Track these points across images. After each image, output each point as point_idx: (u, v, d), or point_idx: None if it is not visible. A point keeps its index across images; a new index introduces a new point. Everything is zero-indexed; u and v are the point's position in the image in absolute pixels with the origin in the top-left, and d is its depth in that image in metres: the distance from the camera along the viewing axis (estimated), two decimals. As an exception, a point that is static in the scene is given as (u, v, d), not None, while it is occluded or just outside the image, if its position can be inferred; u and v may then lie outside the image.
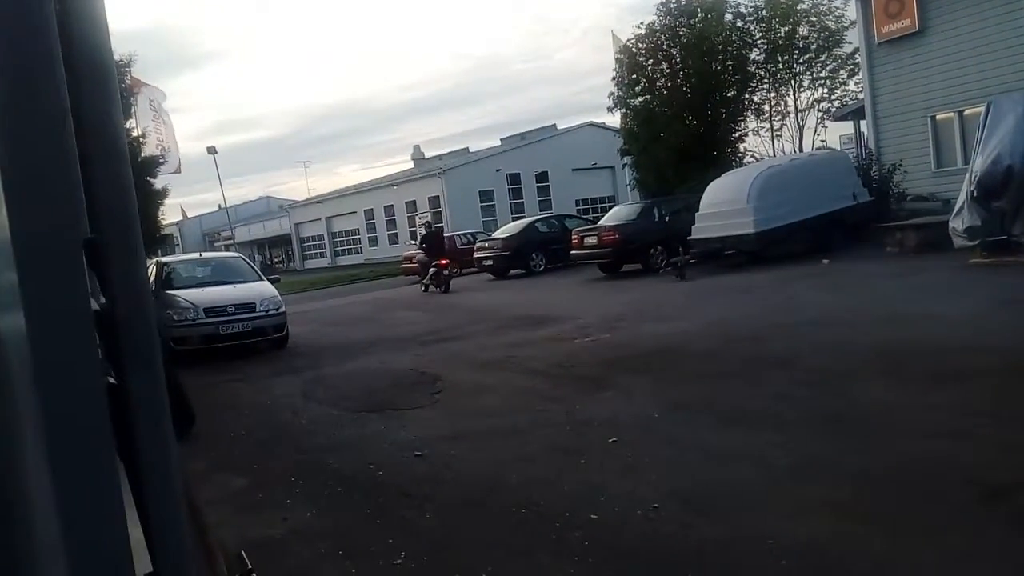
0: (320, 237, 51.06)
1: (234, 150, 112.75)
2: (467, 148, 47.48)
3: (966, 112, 16.02)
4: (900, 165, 16.72)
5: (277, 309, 10.96)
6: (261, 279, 12.07)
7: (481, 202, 37.79)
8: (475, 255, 22.56)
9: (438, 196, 38.39)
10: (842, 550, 2.98)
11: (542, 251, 21.10)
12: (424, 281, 18.71)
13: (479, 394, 6.79)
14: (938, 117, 17.18)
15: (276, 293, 11.35)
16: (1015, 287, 8.64)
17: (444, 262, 18.23)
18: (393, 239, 42.19)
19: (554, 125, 42.80)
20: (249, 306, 10.71)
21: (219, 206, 45.18)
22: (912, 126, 17.58)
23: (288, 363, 9.81)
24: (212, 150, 30.00)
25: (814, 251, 14.37)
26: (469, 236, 26.31)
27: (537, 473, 4.40)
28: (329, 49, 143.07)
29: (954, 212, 11.13)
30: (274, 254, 59.20)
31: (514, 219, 29.66)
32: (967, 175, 10.95)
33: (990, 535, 2.97)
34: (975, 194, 10.38)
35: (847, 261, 13.05)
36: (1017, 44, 15.30)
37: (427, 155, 48.61)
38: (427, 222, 21.19)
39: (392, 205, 42.66)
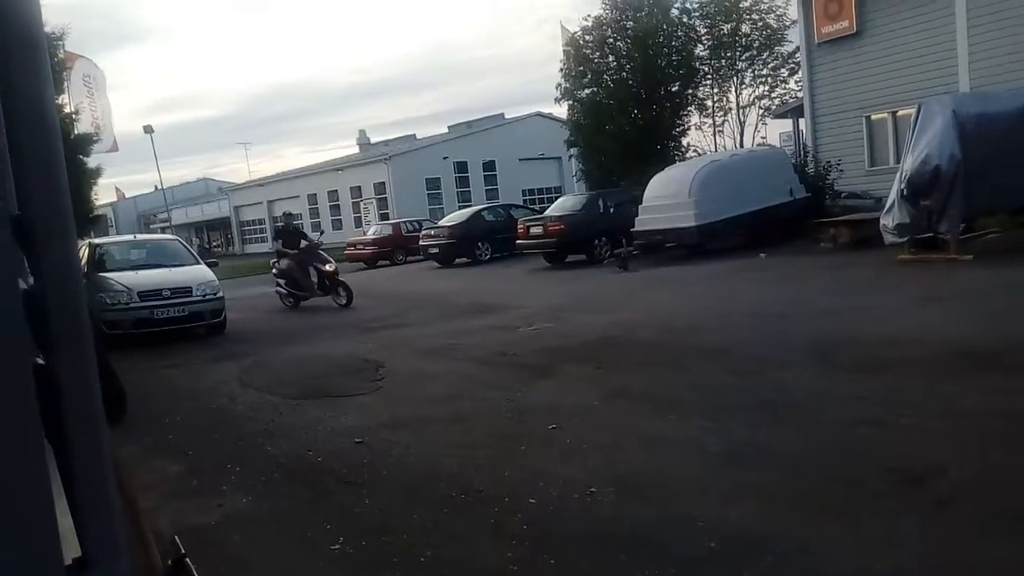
0: (261, 221, 49.99)
1: (173, 129, 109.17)
2: (414, 135, 47.04)
3: (899, 113, 16.60)
4: (837, 163, 17.24)
5: (215, 294, 10.72)
6: (198, 263, 11.78)
7: (427, 189, 37.56)
8: (421, 243, 22.48)
9: (383, 182, 38.02)
10: (767, 532, 3.09)
11: (488, 240, 21.10)
12: (292, 291, 13.33)
13: (421, 381, 6.79)
14: (873, 117, 17.77)
15: (214, 277, 11.10)
16: (939, 283, 9.04)
17: (329, 268, 12.90)
18: (337, 224, 41.58)
19: (502, 114, 42.74)
20: (185, 290, 10.46)
21: (156, 187, 43.81)
22: (848, 125, 18.14)
23: (226, 349, 9.62)
24: (149, 129, 29.03)
25: (752, 245, 14.76)
26: (415, 224, 26.16)
27: (478, 459, 4.44)
28: (275, 28, 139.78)
29: (885, 209, 11.54)
30: (212, 237, 57.72)
31: (460, 207, 29.58)
32: (898, 174, 11.36)
33: (908, 519, 3.12)
34: (905, 193, 10.78)
35: (783, 255, 13.44)
36: (948, 48, 15.92)
37: (373, 140, 47.99)
38: (284, 213, 15.54)
39: (336, 190, 42.06)
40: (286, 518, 3.85)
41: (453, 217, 23.29)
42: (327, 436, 5.24)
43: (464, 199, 36.68)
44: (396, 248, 25.26)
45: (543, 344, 7.85)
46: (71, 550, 0.69)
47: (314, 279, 13.07)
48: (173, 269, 11.08)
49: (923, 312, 7.49)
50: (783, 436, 4.30)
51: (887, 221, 11.29)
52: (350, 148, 53.23)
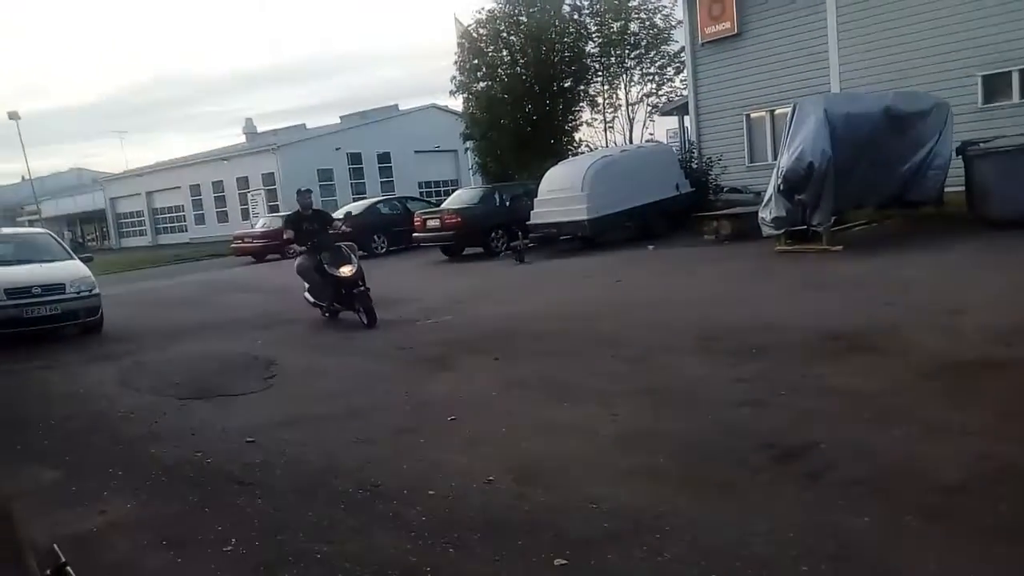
0: (139, 213, 47.44)
1: (42, 116, 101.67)
2: (304, 124, 45.76)
3: (776, 112, 17.52)
4: (719, 159, 18.03)
5: (90, 291, 10.10)
6: (72, 258, 11.06)
7: (320, 181, 36.64)
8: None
9: (272, 173, 36.79)
10: (657, 510, 3.24)
11: (384, 233, 20.85)
12: (316, 300, 9.88)
13: (316, 378, 6.67)
14: (752, 115, 18.69)
15: (89, 273, 10.45)
16: (812, 272, 9.65)
17: (345, 272, 9.16)
18: (223, 217, 39.98)
19: (396, 105, 42.21)
20: (58, 287, 9.80)
21: (23, 177, 40.76)
22: (730, 123, 19.00)
23: (104, 349, 9.11)
24: (14, 115, 26.96)
25: (641, 237, 15.28)
26: (307, 216, 25.45)
27: (376, 454, 4.42)
28: (154, 9, 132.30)
29: (763, 203, 12.18)
30: (86, 231, 54.26)
31: (355, 199, 29.07)
32: (775, 170, 12.01)
33: (784, 491, 3.35)
34: (781, 187, 11.41)
35: (670, 247, 13.97)
36: (821, 50, 16.93)
37: (260, 130, 46.33)
38: (300, 190, 10.12)
39: (221, 181, 40.36)
40: (175, 522, 3.71)
41: (347, 209, 22.86)
42: (216, 436, 5.07)
43: (359, 191, 36.06)
44: (287, 241, 24.52)
45: (441, 336, 7.86)
46: None
47: (331, 286, 9.32)
48: (44, 265, 10.35)
49: (797, 299, 7.99)
50: (671, 419, 4.50)
51: (765, 214, 11.93)
52: (236, 137, 51.30)
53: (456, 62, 24.41)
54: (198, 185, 41.85)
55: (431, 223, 17.42)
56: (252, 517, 3.65)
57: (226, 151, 43.58)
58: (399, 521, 3.45)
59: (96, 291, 10.24)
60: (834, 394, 4.63)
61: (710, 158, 18.05)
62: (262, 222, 26.67)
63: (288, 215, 10.36)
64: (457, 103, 26.42)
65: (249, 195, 37.95)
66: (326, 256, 9.26)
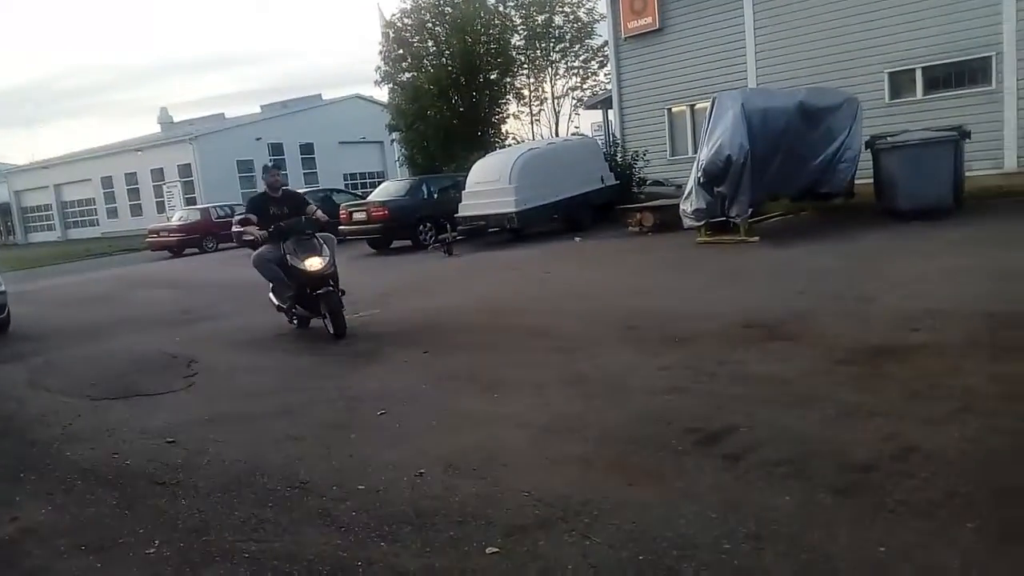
0: (47, 207, 45.17)
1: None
2: (223, 114, 44.38)
3: (697, 106, 17.97)
4: (643, 152, 18.38)
5: (-5, 288, 9.59)
6: (-27, 254, 10.46)
7: (239, 172, 35.64)
8: (234, 229, 21.33)
9: (189, 164, 35.58)
10: (587, 496, 3.31)
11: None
12: (278, 301, 8.10)
13: (240, 375, 6.52)
14: (673, 110, 19.12)
15: (-7, 270, 9.92)
16: (731, 262, 9.97)
17: (312, 266, 7.49)
18: (136, 210, 38.48)
19: (319, 95, 41.39)
20: (-42, 285, 9.27)
21: (-87, 168, 38.17)
22: (652, 117, 19.39)
23: (11, 349, 8.67)
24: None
25: (568, 229, 15.48)
26: (226, 208, 24.78)
27: (304, 451, 4.36)
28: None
29: (684, 196, 12.51)
30: (-11, 226, 51.31)
31: (277, 192, 28.34)
32: (695, 163, 12.34)
33: (707, 473, 3.47)
34: (701, 180, 11.74)
35: (596, 239, 14.19)
36: (738, 47, 17.45)
37: (176, 119, 44.69)
38: (267, 165, 8.39)
39: (135, 173, 38.82)
40: (93, 526, 3.57)
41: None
42: (135, 437, 4.90)
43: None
44: (206, 235, 23.85)
45: (370, 330, 7.79)
46: None
47: (293, 282, 7.62)
48: (-60, 261, 9.77)
49: (717, 289, 8.24)
50: (599, 407, 4.59)
51: (686, 206, 12.25)
52: (150, 127, 49.32)
53: (381, 52, 24.13)
54: (110, 177, 40.14)
55: (357, 216, 17.19)
56: (175, 518, 3.56)
57: (140, 141, 41.90)
58: (329, 517, 3.42)
59: (2, 288, 9.73)
60: (753, 380, 4.82)
61: (634, 151, 18.38)
62: (179, 215, 25.82)
63: (252, 196, 8.36)
64: (382, 93, 26.12)
65: (165, 187, 36.60)
66: (289, 245, 7.59)
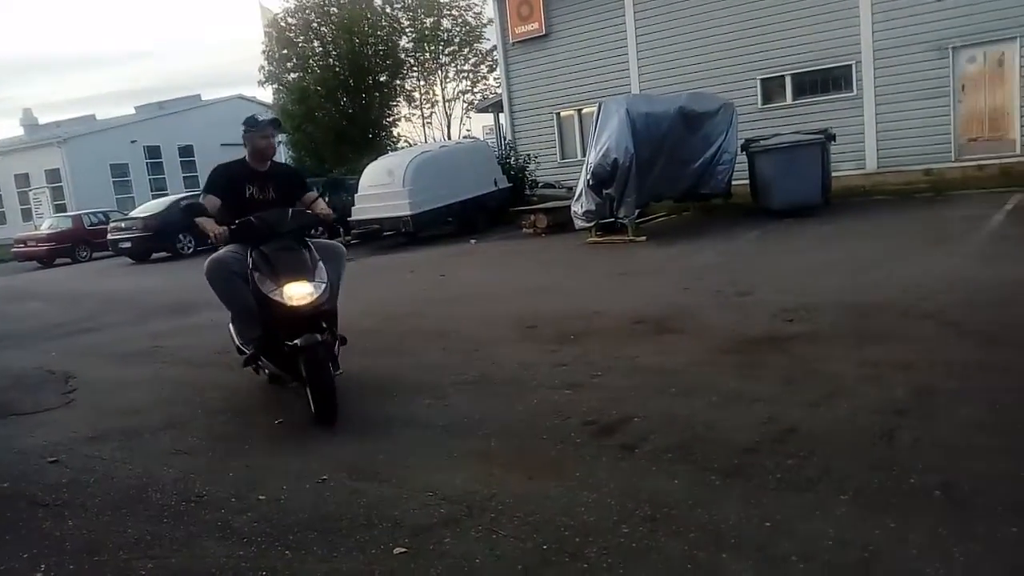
0: None
1: None
2: (94, 115, 41.76)
3: (584, 111, 18.46)
4: (534, 156, 18.72)
5: None
6: None
7: (113, 177, 33.69)
8: (109, 236, 20.21)
9: (58, 169, 33.31)
10: (490, 492, 3.39)
11: (191, 232, 19.63)
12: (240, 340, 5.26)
13: (124, 389, 6.21)
14: (562, 114, 19.56)
15: None
16: (620, 261, 10.34)
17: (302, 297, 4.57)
18: (0, 219, 35.69)
19: (199, 95, 39.65)
20: None
21: None
22: (542, 121, 19.77)
23: None
24: None
25: (463, 232, 15.58)
26: (101, 215, 23.44)
27: (198, 464, 4.22)
28: None
29: (575, 198, 12.86)
30: None
31: (155, 197, 27.07)
32: (584, 166, 12.71)
33: (604, 463, 3.62)
34: (590, 183, 12.11)
35: (491, 241, 14.36)
36: (622, 53, 18.05)
37: (42, 121, 41.71)
38: (249, 118, 5.24)
39: (-5, 178, 35.97)
40: (-33, 556, 3.35)
41: (148, 207, 21.30)
42: (11, 459, 4.60)
43: (159, 187, 33.58)
44: (78, 243, 22.49)
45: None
46: None
47: (264, 315, 4.79)
48: None
49: (608, 287, 8.54)
50: (499, 405, 4.68)
51: (577, 208, 12.60)
52: (12, 130, 45.85)
53: (264, 52, 23.48)
54: (-35, 183, 36.99)
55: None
56: (63, 540, 3.38)
57: (1, 145, 38.85)
58: (228, 529, 3.34)
59: None
60: (644, 372, 5.04)
61: (526, 154, 18.69)
62: (48, 223, 24.20)
63: (220, 165, 5.33)
64: (267, 94, 25.38)
65: (31, 194, 34.07)
66: (261, 255, 4.72)
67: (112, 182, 33.46)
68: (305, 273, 4.64)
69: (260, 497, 3.65)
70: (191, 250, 19.57)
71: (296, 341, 4.46)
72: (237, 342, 5.31)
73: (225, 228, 4.87)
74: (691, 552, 2.74)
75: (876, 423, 3.75)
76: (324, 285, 4.68)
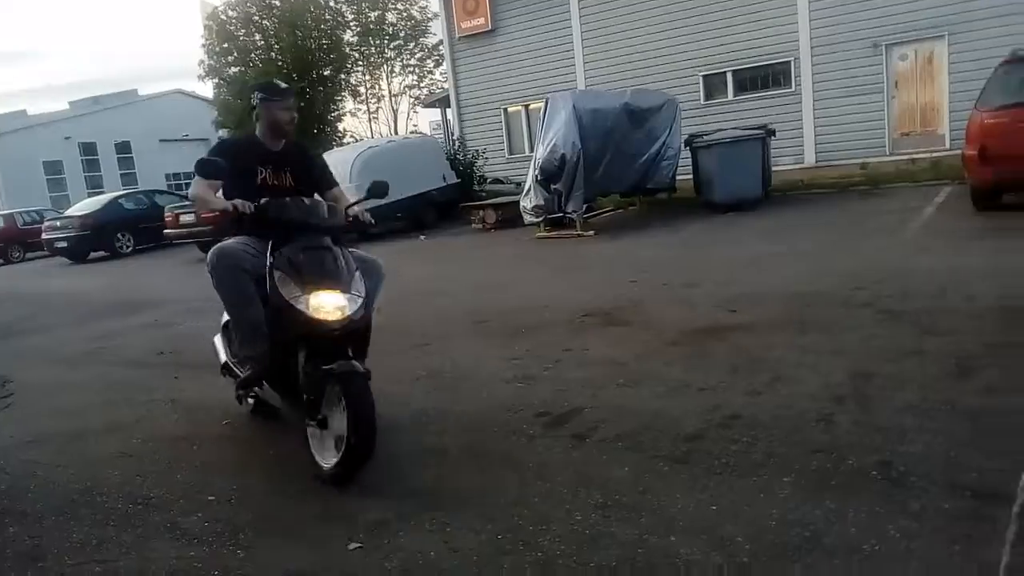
0: None
1: None
2: (24, 111, 40.22)
3: (531, 106, 18.54)
4: (482, 151, 18.72)
5: None
6: None
7: (46, 175, 32.55)
8: (44, 236, 19.53)
9: (-13, 167, 32.02)
10: (445, 487, 3.42)
11: (129, 231, 19.15)
12: (231, 363, 4.35)
13: (64, 392, 6.04)
14: (509, 110, 19.61)
15: None
16: (569, 255, 10.44)
17: (335, 311, 3.53)
18: (-78, 220, 34.07)
19: (135, 90, 38.54)
20: None
21: None
22: (489, 116, 19.79)
23: None
24: None
25: (413, 228, 15.51)
26: (35, 214, 22.62)
27: (145, 467, 4.14)
28: None
29: (524, 193, 12.94)
30: None
31: (92, 194, 26.23)
32: (532, 161, 12.78)
33: (555, 453, 3.68)
34: (538, 178, 12.19)
35: (440, 236, 14.34)
36: (567, 49, 18.17)
37: (-33, 117, 39.99)
38: (279, 85, 4.39)
39: (-81, 177, 34.34)
40: (-100, 567, 3.23)
41: (85, 206, 20.65)
42: (-55, 467, 4.44)
43: (95, 185, 32.56)
44: (10, 243, 21.69)
45: (207, 338, 7.43)
46: None
47: (275, 332, 3.75)
48: None
49: (558, 281, 8.62)
50: (453, 399, 4.71)
51: (526, 203, 12.68)
52: (-66, 125, 43.73)
53: (204, 45, 22.94)
54: None
55: (185, 218, 16.27)
56: (3, 547, 3.28)
57: (-79, 141, 37.09)
58: (179, 530, 3.30)
59: None
60: (593, 364, 5.12)
61: (474, 150, 18.69)
62: (-23, 223, 23.22)
63: (227, 139, 3.77)
64: (207, 88, 24.82)
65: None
66: (285, 255, 3.64)
67: (46, 180, 32.33)
68: (339, 281, 3.59)
69: (210, 498, 3.60)
70: (130, 249, 19.07)
71: (331, 367, 3.41)
72: (226, 359, 4.39)
73: (250, 206, 3.71)
74: (642, 537, 2.81)
75: (816, 408, 3.89)
76: (361, 299, 3.64)
